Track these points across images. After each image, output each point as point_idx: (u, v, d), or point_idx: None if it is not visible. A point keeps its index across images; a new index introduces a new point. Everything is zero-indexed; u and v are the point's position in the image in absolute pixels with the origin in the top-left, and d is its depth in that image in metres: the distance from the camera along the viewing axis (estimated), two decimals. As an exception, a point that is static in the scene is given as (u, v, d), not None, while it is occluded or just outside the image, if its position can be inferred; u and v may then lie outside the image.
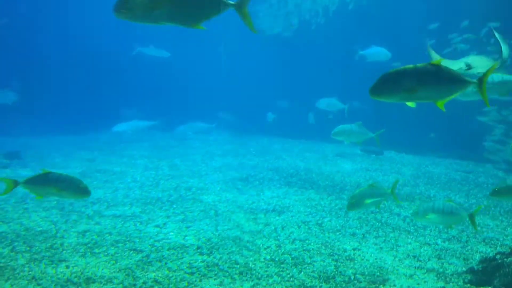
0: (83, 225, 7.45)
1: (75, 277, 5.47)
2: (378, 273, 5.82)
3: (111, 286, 5.26)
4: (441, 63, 3.75)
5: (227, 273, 5.69)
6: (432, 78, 3.74)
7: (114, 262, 5.97)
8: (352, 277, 5.67)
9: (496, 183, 11.47)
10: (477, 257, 6.32)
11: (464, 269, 6.00)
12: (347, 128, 8.38)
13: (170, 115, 18.87)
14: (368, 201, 6.10)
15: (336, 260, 6.19)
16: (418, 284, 5.55)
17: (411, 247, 6.82)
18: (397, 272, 5.88)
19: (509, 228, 7.96)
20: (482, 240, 7.29)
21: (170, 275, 5.62)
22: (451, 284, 5.59)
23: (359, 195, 6.13)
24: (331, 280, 5.56)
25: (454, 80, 3.80)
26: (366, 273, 5.82)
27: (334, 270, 5.87)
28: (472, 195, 10.28)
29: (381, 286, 5.44)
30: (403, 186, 11.05)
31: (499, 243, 7.17)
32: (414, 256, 6.46)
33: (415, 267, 6.08)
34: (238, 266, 5.92)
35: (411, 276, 5.80)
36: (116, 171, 12.04)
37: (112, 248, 6.47)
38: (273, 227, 7.54)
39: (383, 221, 7.97)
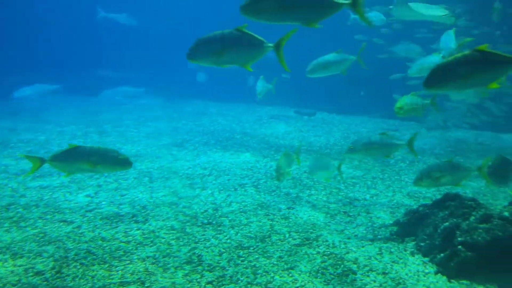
0: (6, 198, 7.01)
1: (0, 253, 5.17)
2: (311, 230, 6.04)
3: (41, 260, 5.04)
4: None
5: (164, 239, 5.64)
6: (234, 42, 4.07)
7: (43, 235, 5.70)
8: (287, 235, 5.84)
9: (417, 138, 12.21)
10: (402, 210, 6.73)
11: (391, 221, 6.38)
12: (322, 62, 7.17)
13: (92, 79, 17.93)
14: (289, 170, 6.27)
15: (272, 220, 6.34)
16: (348, 238, 5.83)
17: (341, 203, 7.13)
18: (328, 228, 6.14)
19: (430, 182, 8.54)
20: (407, 194, 7.78)
21: (105, 245, 5.47)
22: (379, 236, 5.94)
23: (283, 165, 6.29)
24: (267, 239, 5.69)
25: (254, 45, 4.14)
26: (300, 230, 6.02)
27: (270, 229, 6.02)
28: (397, 152, 10.86)
29: (314, 242, 5.66)
30: (333, 146, 11.45)
31: (422, 196, 7.68)
32: (345, 212, 6.77)
33: (346, 222, 6.38)
34: (175, 231, 5.89)
35: (342, 231, 6.08)
36: (41, 140, 11.36)
37: (40, 220, 6.17)
38: (210, 191, 7.54)
39: (315, 179, 8.22)
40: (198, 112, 16.22)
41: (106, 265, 4.97)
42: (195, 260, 5.12)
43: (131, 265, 4.98)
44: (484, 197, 7.72)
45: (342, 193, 7.65)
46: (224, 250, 5.37)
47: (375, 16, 10.68)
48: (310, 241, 5.69)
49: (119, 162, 4.78)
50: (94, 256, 5.17)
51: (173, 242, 5.58)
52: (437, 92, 4.11)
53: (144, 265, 4.98)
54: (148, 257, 5.19)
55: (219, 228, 6.01)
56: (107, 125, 13.40)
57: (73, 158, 4.74)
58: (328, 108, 16.55)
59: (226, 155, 10.12)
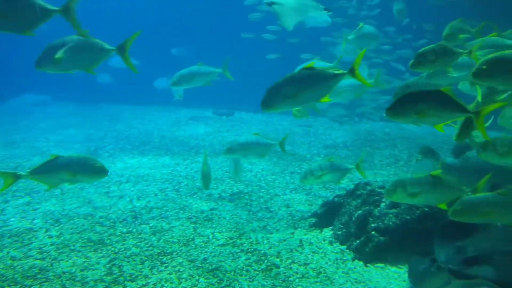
0: None
1: None
2: (235, 229, 6.08)
3: None
4: None
5: (80, 253, 5.36)
6: (79, 47, 4.08)
7: None
8: (211, 237, 5.83)
9: (330, 133, 12.81)
10: (320, 201, 7.01)
11: (309, 214, 6.62)
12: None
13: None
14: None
15: (195, 223, 6.29)
16: (271, 233, 5.96)
17: (262, 200, 7.26)
18: (251, 225, 6.22)
19: (344, 173, 8.98)
20: (323, 186, 8.11)
21: (15, 264, 5.08)
22: (299, 229, 6.14)
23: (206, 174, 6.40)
24: (190, 243, 5.64)
25: (95, 49, 4.22)
26: (224, 230, 6.04)
27: (193, 232, 5.96)
28: (312, 146, 11.30)
29: (238, 240, 5.70)
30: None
31: (337, 187, 8.06)
32: (266, 208, 6.91)
33: (267, 218, 6.52)
34: (92, 243, 5.62)
35: (264, 227, 6.19)
36: None
37: None
38: (128, 199, 7.29)
39: (236, 179, 8.29)
40: (112, 117, 15.59)
41: (18, 286, 4.62)
42: (116, 272, 4.93)
43: (46, 283, 4.67)
44: (393, 183, 8.28)
45: (263, 190, 7.79)
46: (146, 258, 5.22)
47: (317, 17, 10.49)
48: (234, 239, 5.73)
49: (96, 170, 4.58)
50: (3, 278, 4.78)
51: (91, 254, 5.33)
52: (275, 111, 4.22)
53: (60, 282, 4.70)
54: (64, 272, 4.90)
55: (139, 236, 5.83)
56: (15, 136, 12.43)
57: (54, 169, 4.49)
58: (247, 107, 16.74)
59: (144, 160, 9.85)
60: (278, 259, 5.19)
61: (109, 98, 18.23)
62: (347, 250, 5.44)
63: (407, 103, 3.66)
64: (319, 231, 6.05)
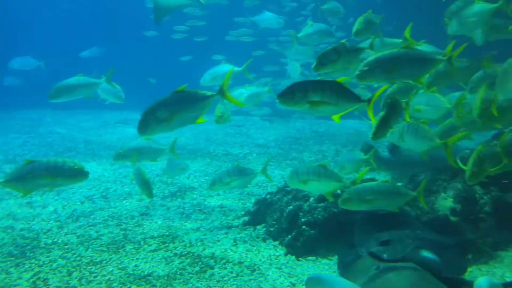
0: None
1: None
2: (167, 233, 5.98)
3: None
4: None
5: (0, 268, 5.00)
6: None
7: None
8: (142, 242, 5.68)
9: (262, 132, 12.99)
10: (253, 200, 7.08)
11: (243, 212, 6.66)
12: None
13: None
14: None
15: (125, 229, 6.10)
16: (205, 235, 5.93)
17: (196, 202, 7.20)
18: (185, 228, 6.15)
19: (276, 171, 9.14)
20: (256, 184, 8.19)
21: None
22: (233, 228, 6.16)
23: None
24: (120, 250, 5.46)
25: None
26: (156, 235, 5.91)
27: (123, 239, 5.78)
28: (245, 146, 11.39)
29: (171, 244, 5.61)
30: (186, 145, 11.49)
31: (270, 184, 8.17)
32: (200, 210, 6.86)
33: (201, 220, 6.47)
34: (14, 258, 5.26)
35: (198, 229, 6.14)
36: None
37: None
38: (52, 209, 6.91)
39: (168, 182, 8.15)
40: (32, 123, 14.68)
41: None
42: (41, 286, 4.65)
43: (-41, 306, 4.31)
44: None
45: (196, 192, 7.72)
46: (74, 269, 4.98)
47: (270, 18, 10.05)
48: (167, 244, 5.63)
49: (77, 172, 4.36)
50: None
51: (12, 270, 4.98)
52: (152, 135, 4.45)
53: (-24, 303, 4.35)
54: (-19, 292, 4.54)
55: (66, 247, 5.55)
56: None
57: (32, 174, 4.24)
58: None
59: (70, 166, 9.38)
60: (212, 260, 5.17)
61: (27, 103, 17.08)
62: (280, 246, 5.54)
63: (297, 91, 3.69)
64: (252, 229, 6.11)
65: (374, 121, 4.03)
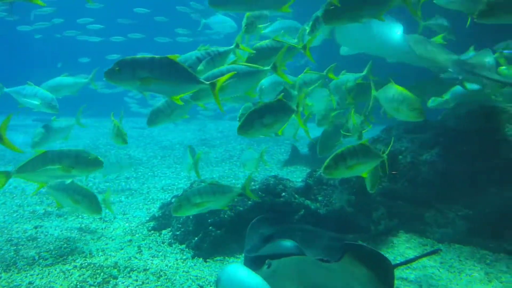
0: None
1: None
2: (65, 245, 5.60)
3: None
4: None
5: None
6: None
7: None
8: (37, 257, 5.26)
9: (165, 134, 12.77)
10: (158, 204, 6.91)
11: (147, 218, 6.46)
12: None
13: None
14: None
15: (16, 245, 5.60)
16: (106, 244, 5.64)
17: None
18: (84, 239, 5.81)
19: (182, 173, 9.03)
20: (161, 188, 8.02)
21: None
22: (137, 235, 5.94)
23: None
24: (12, 267, 4.99)
25: None
26: (52, 248, 5.50)
27: (15, 255, 5.29)
28: (148, 148, 11.09)
29: (70, 256, 5.26)
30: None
31: (175, 188, 8.05)
32: (100, 218, 6.52)
33: (102, 229, 6.16)
34: None
35: (99, 238, 5.83)
36: None
37: None
38: None
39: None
40: None
41: None
42: None
43: None
44: (228, 178, 8.64)
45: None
46: (-46, 294, 4.46)
47: (223, 21, 9.57)
48: (65, 256, 5.27)
49: (92, 162, 4.27)
50: None
51: None
52: None
53: None
54: None
55: None
56: None
57: (46, 164, 4.17)
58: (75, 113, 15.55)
59: None
60: (115, 270, 4.94)
61: None
62: (187, 249, 5.46)
63: (125, 68, 3.50)
64: (158, 234, 5.95)
65: (219, 105, 3.94)
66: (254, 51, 4.73)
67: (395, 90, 4.67)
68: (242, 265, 4.48)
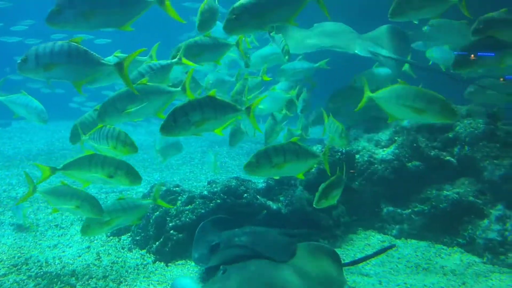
0: None
1: None
2: (19, 254, 5.36)
3: None
4: None
5: None
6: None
7: None
8: (-12, 268, 5.02)
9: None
10: (117, 209, 6.73)
11: (106, 223, 6.29)
12: None
13: None
14: None
15: (-35, 256, 5.32)
16: (63, 252, 5.46)
17: (51, 216, 6.59)
18: (40, 247, 5.59)
19: (143, 176, 8.83)
20: (120, 192, 7.82)
21: None
22: (95, 241, 5.77)
23: None
24: (-40, 281, 4.74)
25: None
26: (5, 258, 5.26)
27: (-36, 267, 5.03)
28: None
29: (24, 266, 5.05)
30: (37, 155, 10.51)
31: (134, 192, 7.87)
32: (56, 225, 6.30)
33: (58, 236, 5.95)
34: None
35: (55, 246, 5.63)
36: None
37: None
38: None
39: (12, 196, 7.34)
40: None
41: None
42: None
43: None
44: (189, 181, 8.56)
45: (50, 207, 7.06)
46: None
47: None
48: (19, 266, 5.05)
49: (132, 175, 4.16)
50: None
51: None
52: None
53: None
54: None
55: None
56: None
57: (91, 166, 4.12)
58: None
59: None
60: (73, 278, 4.78)
61: None
62: (148, 254, 5.36)
63: (30, 57, 3.57)
64: (117, 239, 5.81)
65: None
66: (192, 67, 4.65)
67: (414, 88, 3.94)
68: (192, 278, 4.50)
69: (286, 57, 5.82)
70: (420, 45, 7.15)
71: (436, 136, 6.06)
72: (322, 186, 4.37)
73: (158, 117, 4.20)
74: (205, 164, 9.61)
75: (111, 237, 5.86)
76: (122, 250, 5.50)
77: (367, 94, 4.12)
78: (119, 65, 3.70)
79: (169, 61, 4.54)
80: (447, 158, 5.88)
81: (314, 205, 4.35)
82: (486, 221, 5.33)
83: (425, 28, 6.20)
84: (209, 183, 6.32)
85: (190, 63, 4.57)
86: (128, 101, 3.99)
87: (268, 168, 3.86)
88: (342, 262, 4.51)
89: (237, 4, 3.80)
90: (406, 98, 3.87)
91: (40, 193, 4.50)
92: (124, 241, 5.73)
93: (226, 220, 5.21)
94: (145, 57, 4.89)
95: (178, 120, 3.66)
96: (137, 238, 5.58)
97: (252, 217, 5.50)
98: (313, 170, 5.78)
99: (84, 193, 4.35)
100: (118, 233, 5.91)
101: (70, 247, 5.61)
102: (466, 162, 5.77)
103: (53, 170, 4.29)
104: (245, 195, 5.65)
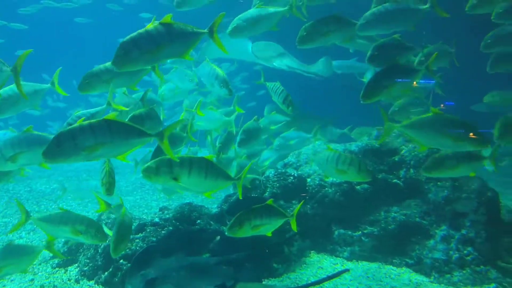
0: None
1: None
2: None
3: None
4: None
5: None
6: None
7: None
8: None
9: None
10: (62, 239, 6.42)
11: (51, 255, 5.97)
12: None
13: None
14: None
15: None
16: (4, 286, 5.13)
17: (-8, 249, 6.21)
18: None
19: (89, 204, 8.55)
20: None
21: None
22: (40, 273, 5.48)
23: None
24: None
25: None
26: None
27: None
28: (53, 180, 10.39)
29: None
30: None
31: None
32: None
33: None
34: None
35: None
36: None
37: None
38: None
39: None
40: None
41: None
42: None
43: None
44: (140, 208, 8.36)
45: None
46: None
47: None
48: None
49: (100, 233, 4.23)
50: None
51: None
52: None
53: None
54: None
55: None
56: None
57: (59, 222, 4.24)
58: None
59: None
60: (12, 315, 4.50)
61: None
62: (96, 285, 5.14)
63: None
64: (64, 271, 5.54)
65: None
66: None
67: None
68: None
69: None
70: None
71: (383, 160, 6.30)
72: (240, 213, 4.12)
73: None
74: (157, 191, 9.43)
75: (56, 269, 5.59)
76: (68, 282, 5.25)
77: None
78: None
79: (99, 108, 4.41)
80: (394, 180, 6.11)
81: (226, 233, 4.10)
82: (432, 241, 5.55)
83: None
84: (160, 209, 6.21)
85: (120, 107, 4.43)
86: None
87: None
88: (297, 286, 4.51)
89: (126, 38, 3.66)
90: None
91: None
92: (71, 272, 5.47)
93: (168, 248, 5.10)
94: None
95: (62, 145, 3.26)
96: (85, 268, 5.34)
97: (206, 242, 5.42)
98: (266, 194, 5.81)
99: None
100: (64, 264, 5.65)
101: (12, 280, 5.28)
102: (412, 184, 6.01)
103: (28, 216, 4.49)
104: (198, 221, 5.58)
